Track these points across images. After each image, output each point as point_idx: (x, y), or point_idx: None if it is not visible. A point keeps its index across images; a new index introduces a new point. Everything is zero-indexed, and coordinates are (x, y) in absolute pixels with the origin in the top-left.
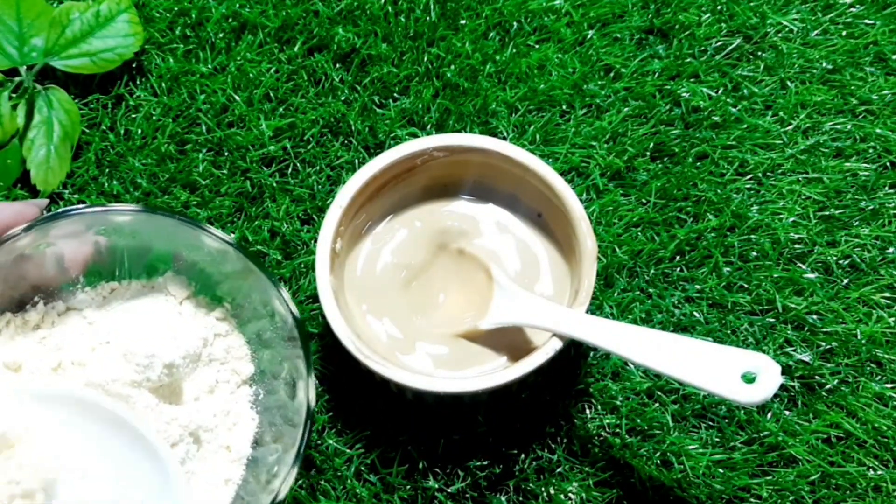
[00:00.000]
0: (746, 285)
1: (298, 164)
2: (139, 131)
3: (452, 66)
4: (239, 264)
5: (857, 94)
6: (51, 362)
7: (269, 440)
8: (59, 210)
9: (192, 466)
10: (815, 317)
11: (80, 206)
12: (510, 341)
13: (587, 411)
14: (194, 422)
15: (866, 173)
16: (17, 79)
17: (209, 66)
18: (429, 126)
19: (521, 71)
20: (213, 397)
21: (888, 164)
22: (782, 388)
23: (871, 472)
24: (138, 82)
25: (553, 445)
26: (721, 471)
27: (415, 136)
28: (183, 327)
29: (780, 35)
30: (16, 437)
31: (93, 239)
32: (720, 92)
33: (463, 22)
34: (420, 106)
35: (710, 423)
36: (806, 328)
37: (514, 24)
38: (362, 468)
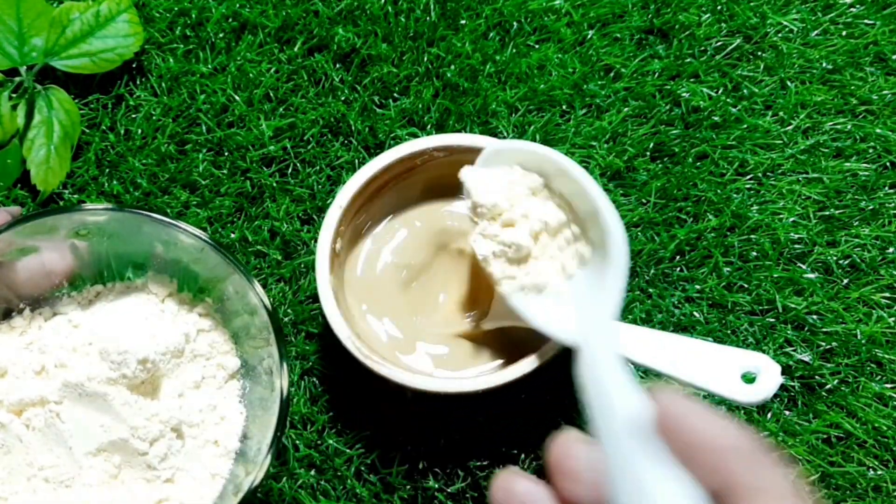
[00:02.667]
0: (746, 285)
1: (298, 164)
2: (139, 131)
3: (452, 66)
4: (214, 259)
5: (857, 94)
6: (35, 366)
7: (256, 432)
8: (30, 213)
9: (176, 462)
10: (815, 317)
11: (49, 208)
12: (510, 341)
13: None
14: (176, 417)
15: (866, 173)
16: (17, 79)
17: (209, 66)
18: (429, 126)
19: (521, 71)
20: (199, 392)
21: (888, 164)
22: (782, 388)
23: (871, 472)
24: (138, 82)
25: None
26: None
27: (415, 136)
28: (162, 324)
29: (780, 35)
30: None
31: (71, 244)
32: (720, 92)
33: (463, 22)
34: (420, 106)
35: None
36: (806, 328)
37: (514, 24)
38: (362, 468)
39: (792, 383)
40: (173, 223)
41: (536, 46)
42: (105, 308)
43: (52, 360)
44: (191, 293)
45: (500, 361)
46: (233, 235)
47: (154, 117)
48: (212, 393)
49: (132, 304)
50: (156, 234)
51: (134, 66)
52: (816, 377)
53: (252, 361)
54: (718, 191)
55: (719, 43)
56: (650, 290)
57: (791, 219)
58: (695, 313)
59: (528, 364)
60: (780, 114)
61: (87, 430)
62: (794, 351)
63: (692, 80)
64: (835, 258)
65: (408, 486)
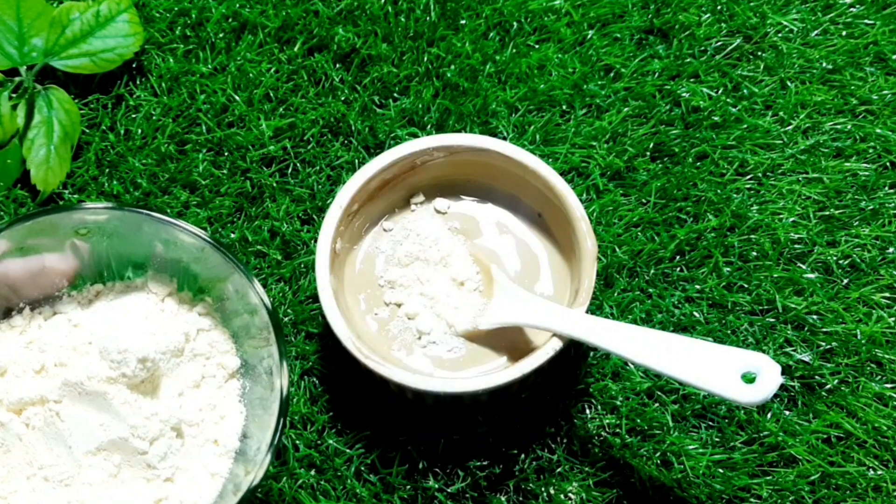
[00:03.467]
0: (746, 285)
1: (298, 164)
2: (139, 131)
3: (452, 66)
4: (214, 258)
5: (857, 94)
6: (34, 365)
7: (255, 432)
8: (30, 212)
9: (176, 461)
10: (815, 317)
11: (48, 207)
12: (510, 341)
13: (587, 411)
14: (175, 416)
15: (866, 173)
16: (17, 79)
17: (209, 66)
18: (429, 126)
19: (521, 71)
20: (198, 392)
21: (888, 164)
22: (782, 388)
23: (871, 472)
24: (138, 82)
25: (553, 445)
26: (721, 471)
27: (415, 136)
28: (162, 323)
29: (780, 35)
30: None
31: (72, 243)
32: (720, 92)
33: (463, 22)
34: (420, 106)
35: (710, 423)
36: (806, 328)
37: (514, 24)
38: (362, 468)
39: (792, 383)
40: (173, 222)
41: (536, 46)
42: (105, 307)
43: (51, 359)
44: (191, 292)
45: (501, 361)
46: (233, 235)
47: (154, 117)
48: (212, 392)
49: (132, 303)
50: (156, 233)
51: (134, 66)
52: (816, 377)
53: (252, 361)
54: (718, 191)
55: (719, 43)
56: (650, 290)
57: (791, 219)
58: (695, 313)
59: (528, 364)
60: (780, 114)
61: (87, 429)
62: (794, 351)
63: (692, 80)
64: (835, 258)
65: (408, 486)
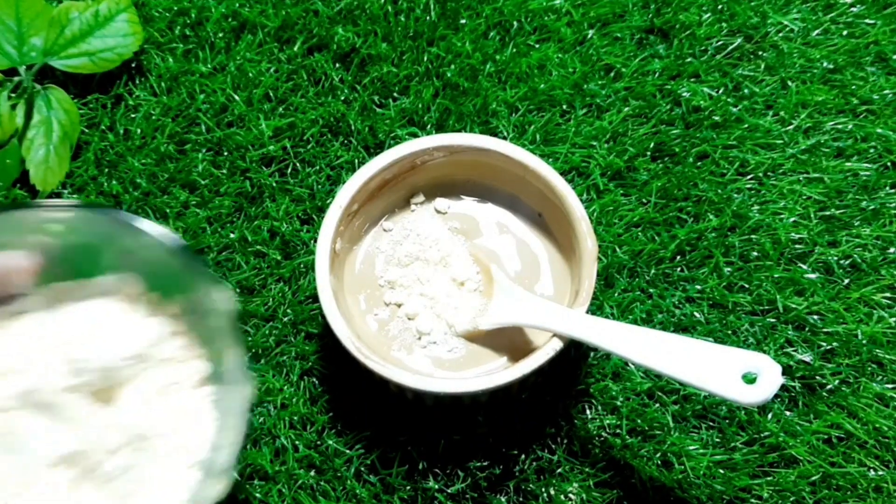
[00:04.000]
0: (747, 285)
1: (298, 164)
2: (138, 131)
3: (452, 66)
4: (182, 261)
5: (857, 94)
6: None
7: (221, 441)
8: None
9: (137, 474)
10: (815, 317)
11: (11, 203)
12: (510, 342)
13: (587, 412)
14: (138, 426)
15: (867, 173)
16: (16, 78)
17: (209, 66)
18: (429, 126)
19: (521, 70)
20: (164, 400)
21: (889, 163)
22: (783, 388)
23: (872, 472)
24: (137, 82)
25: (553, 446)
26: (722, 471)
27: (415, 135)
28: (129, 327)
29: (780, 35)
30: None
31: (36, 241)
32: (721, 92)
33: (463, 21)
34: (420, 106)
35: (711, 424)
36: (807, 328)
37: (515, 23)
38: (362, 469)
39: (793, 384)
40: (140, 222)
41: (537, 46)
42: (69, 310)
43: (10, 365)
44: (159, 295)
45: (501, 362)
46: (232, 235)
47: (153, 117)
48: (181, 398)
49: (97, 305)
50: (124, 233)
51: (133, 65)
52: (817, 377)
53: (220, 367)
54: (719, 191)
55: (720, 42)
56: (651, 290)
57: (792, 219)
58: (695, 313)
59: (528, 364)
60: (781, 113)
61: (44, 440)
62: (794, 351)
63: (693, 79)
64: (836, 258)
65: (408, 487)
